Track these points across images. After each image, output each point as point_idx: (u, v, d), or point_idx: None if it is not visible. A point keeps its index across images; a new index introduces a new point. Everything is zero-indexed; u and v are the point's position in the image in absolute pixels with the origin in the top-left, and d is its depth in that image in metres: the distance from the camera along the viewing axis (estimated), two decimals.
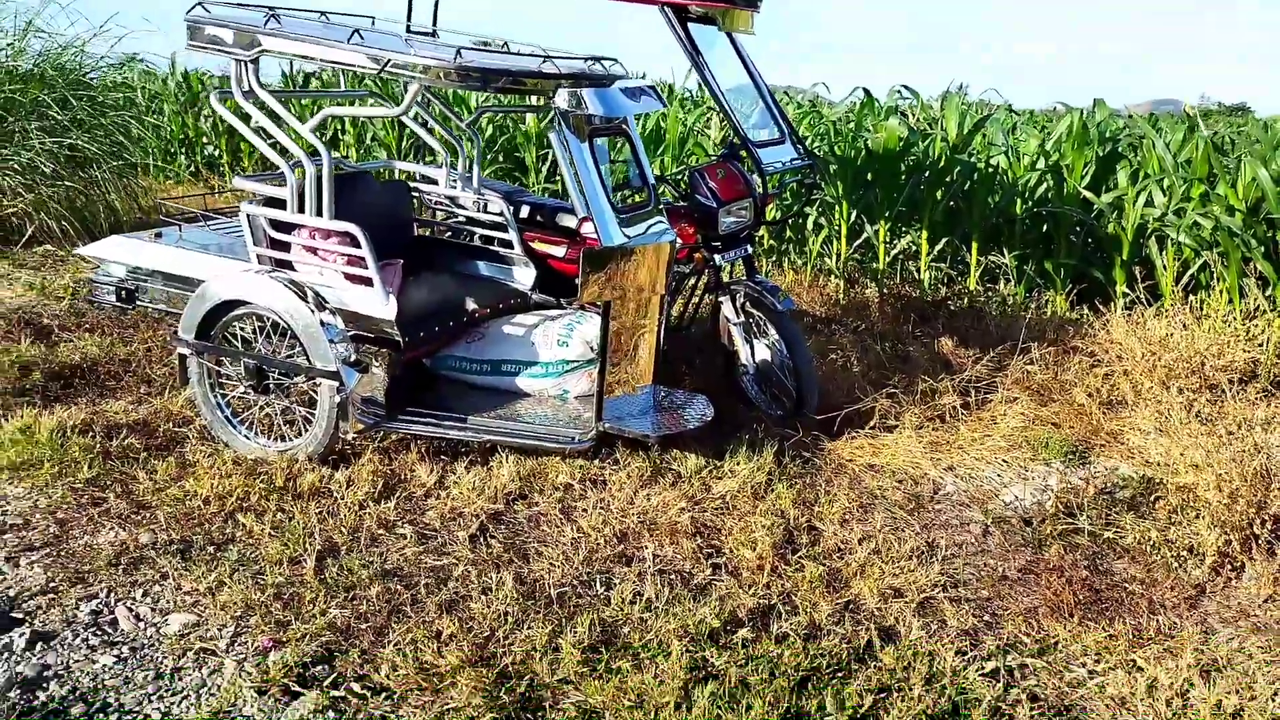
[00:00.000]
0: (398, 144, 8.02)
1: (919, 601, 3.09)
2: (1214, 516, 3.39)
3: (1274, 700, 2.63)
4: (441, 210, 4.94)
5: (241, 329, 3.91)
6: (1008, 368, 4.73)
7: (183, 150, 10.89)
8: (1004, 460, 4.08)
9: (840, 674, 2.72)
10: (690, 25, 4.23)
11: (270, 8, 3.85)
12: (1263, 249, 4.90)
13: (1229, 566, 3.28)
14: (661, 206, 3.95)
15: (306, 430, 3.81)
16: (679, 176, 4.73)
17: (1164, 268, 5.47)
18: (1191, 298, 5.06)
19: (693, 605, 2.97)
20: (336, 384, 3.62)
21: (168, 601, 2.96)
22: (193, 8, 3.74)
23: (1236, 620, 3.05)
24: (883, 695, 2.64)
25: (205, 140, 10.82)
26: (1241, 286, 4.81)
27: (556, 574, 3.15)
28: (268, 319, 3.76)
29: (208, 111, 10.59)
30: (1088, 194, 5.88)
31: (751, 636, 2.85)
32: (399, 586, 3.07)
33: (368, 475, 3.70)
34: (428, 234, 4.94)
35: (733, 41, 4.57)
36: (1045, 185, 6.13)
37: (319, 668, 2.66)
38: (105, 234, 5.51)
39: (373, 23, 4.34)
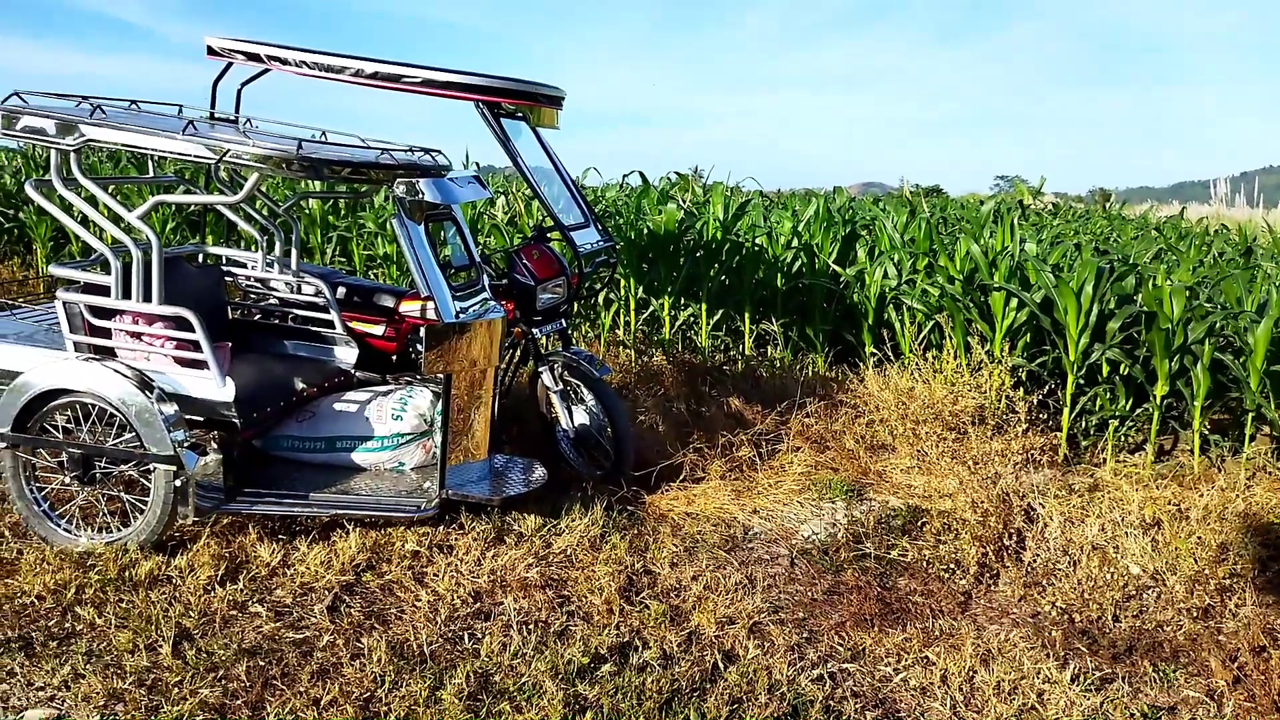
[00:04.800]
0: (200, 228, 7.76)
1: (749, 626, 3.52)
2: (972, 534, 4.09)
3: (1038, 676, 3.25)
4: (254, 293, 4.96)
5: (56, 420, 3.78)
6: (789, 421, 5.37)
7: None
8: (798, 501, 4.65)
9: (697, 693, 3.08)
10: (502, 119, 4.60)
11: (84, 96, 3.85)
12: (978, 311, 5.87)
13: (988, 574, 3.96)
14: (486, 284, 4.25)
15: (135, 519, 3.73)
16: (497, 256, 5.05)
17: (902, 330, 6.37)
18: (928, 354, 5.95)
19: (558, 647, 3.24)
20: (174, 469, 3.60)
21: (19, 699, 2.86)
22: (8, 97, 3.67)
23: (999, 618, 3.70)
24: (736, 706, 3.03)
25: None
26: (966, 343, 5.73)
27: (423, 634, 3.31)
28: (93, 407, 3.67)
29: None
30: (835, 268, 6.76)
31: (615, 670, 3.16)
32: (265, 662, 3.12)
33: (208, 559, 3.68)
34: (240, 316, 4.94)
35: (536, 134, 4.97)
36: (800, 261, 6.96)
37: None
38: None
39: (180, 110, 4.39)
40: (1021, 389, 5.41)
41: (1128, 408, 5.33)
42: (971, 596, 3.84)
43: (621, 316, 6.95)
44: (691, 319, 6.88)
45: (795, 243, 7.00)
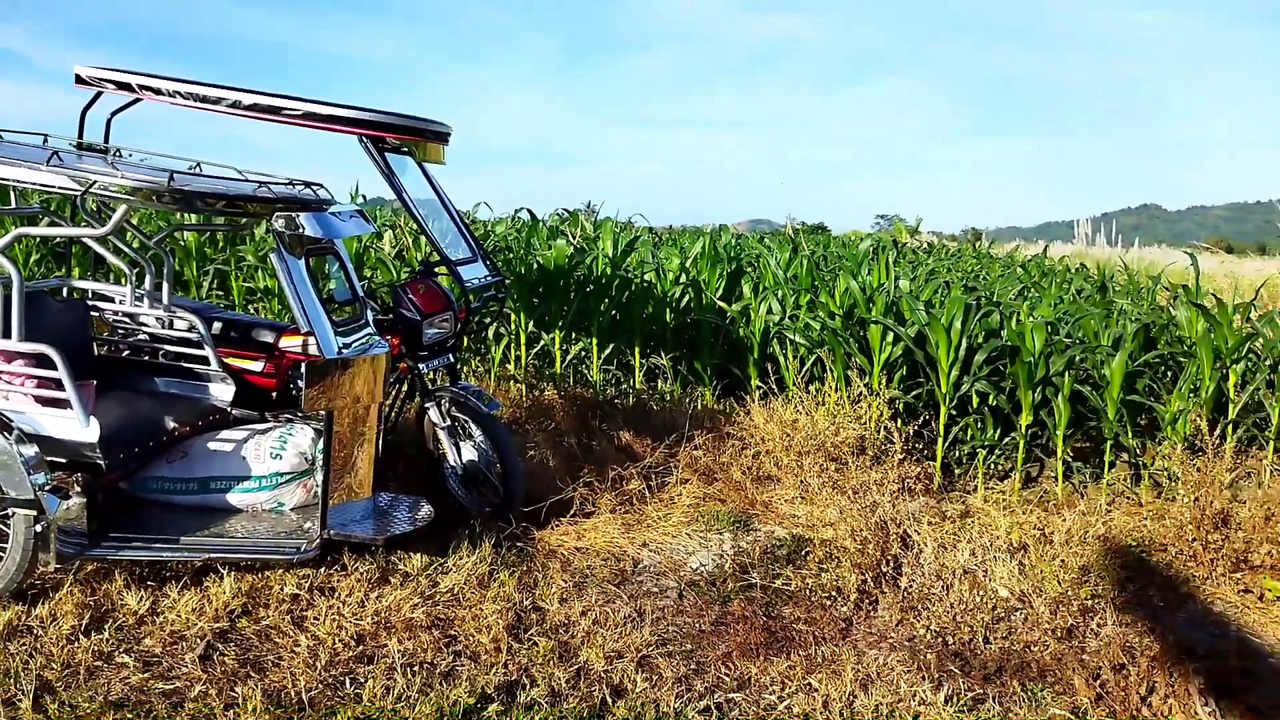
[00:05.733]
0: (66, 260, 7.36)
1: (638, 660, 3.53)
2: (852, 562, 4.21)
3: (914, 699, 3.36)
4: (122, 328, 4.76)
5: None
6: (678, 454, 5.44)
7: None
8: (687, 533, 4.70)
9: None
10: (387, 154, 4.56)
11: None
12: (858, 345, 6.08)
13: (867, 601, 4.08)
14: (369, 319, 4.19)
15: None
16: (383, 291, 4.98)
17: (786, 363, 6.53)
18: (811, 387, 6.12)
19: (444, 689, 3.19)
20: (35, 514, 3.42)
21: None
22: None
23: (878, 643, 3.81)
24: None
25: None
26: (847, 376, 5.93)
27: (301, 681, 3.21)
28: None
29: None
30: (721, 304, 6.90)
31: (502, 709, 3.13)
32: (133, 715, 2.98)
33: (71, 608, 3.50)
34: (107, 352, 4.73)
35: (422, 169, 4.95)
36: (688, 297, 7.09)
37: None
38: None
39: (45, 140, 4.22)
40: (898, 420, 5.61)
41: (996, 437, 5.59)
42: (852, 623, 3.95)
43: (512, 351, 6.93)
44: (583, 353, 6.91)
45: (683, 278, 7.13)
